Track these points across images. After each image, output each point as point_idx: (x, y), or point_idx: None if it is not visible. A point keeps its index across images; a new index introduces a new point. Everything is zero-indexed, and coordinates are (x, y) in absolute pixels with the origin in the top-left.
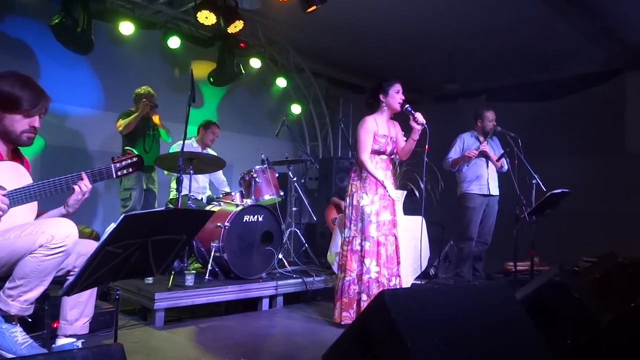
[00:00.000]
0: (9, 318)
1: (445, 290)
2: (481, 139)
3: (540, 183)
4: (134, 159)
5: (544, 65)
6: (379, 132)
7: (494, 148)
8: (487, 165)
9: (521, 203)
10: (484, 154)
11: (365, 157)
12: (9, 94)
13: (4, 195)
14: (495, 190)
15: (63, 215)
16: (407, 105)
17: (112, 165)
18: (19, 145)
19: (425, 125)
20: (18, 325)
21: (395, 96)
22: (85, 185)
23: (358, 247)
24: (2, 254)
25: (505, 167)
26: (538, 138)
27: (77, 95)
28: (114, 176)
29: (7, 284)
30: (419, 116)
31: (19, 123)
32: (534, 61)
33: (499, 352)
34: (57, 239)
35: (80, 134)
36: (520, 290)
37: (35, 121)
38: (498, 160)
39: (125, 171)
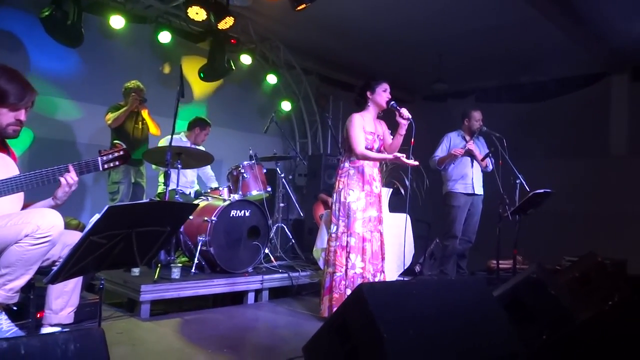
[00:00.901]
0: None
1: (422, 285)
2: (467, 138)
3: (524, 183)
4: (121, 153)
5: (525, 67)
6: (366, 129)
7: (479, 147)
8: (472, 165)
9: (504, 202)
10: (469, 153)
11: (362, 148)
12: None
13: None
14: (479, 190)
15: (51, 207)
16: (392, 102)
17: (99, 158)
18: (4, 137)
19: (411, 120)
20: (3, 313)
21: (382, 94)
22: (71, 177)
23: (345, 243)
24: None
25: (490, 166)
26: (523, 139)
27: (67, 88)
28: (101, 169)
29: None
30: (404, 111)
31: (5, 116)
32: (521, 63)
33: (473, 346)
34: (43, 229)
35: (69, 127)
36: (499, 288)
37: (21, 114)
38: (483, 159)
39: (112, 164)
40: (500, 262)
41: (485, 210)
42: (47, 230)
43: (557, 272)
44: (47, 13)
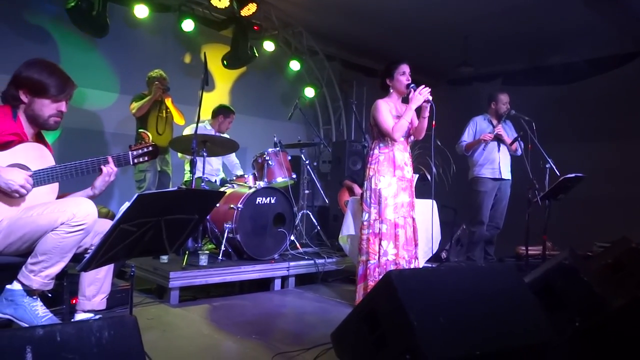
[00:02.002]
0: (30, 292)
1: (452, 271)
2: (494, 122)
3: (554, 167)
4: (150, 148)
5: (553, 48)
6: (392, 114)
7: (507, 132)
8: (499, 149)
9: (534, 187)
10: (497, 137)
11: (391, 126)
12: (38, 81)
13: (29, 176)
14: (507, 174)
15: (89, 197)
16: (412, 85)
17: (130, 152)
18: (45, 129)
19: (431, 102)
20: (39, 299)
21: (401, 79)
22: (111, 167)
23: (377, 230)
24: (25, 230)
25: (519, 151)
26: (552, 122)
27: (93, 79)
28: (131, 163)
29: (30, 260)
30: (425, 91)
31: (47, 107)
32: (550, 44)
33: (504, 333)
34: (78, 217)
35: (96, 116)
36: (530, 274)
37: (62, 106)
38: (512, 143)
39: (141, 159)
40: (529, 248)
41: (513, 195)
42: (82, 218)
43: (589, 259)
44: (72, 4)
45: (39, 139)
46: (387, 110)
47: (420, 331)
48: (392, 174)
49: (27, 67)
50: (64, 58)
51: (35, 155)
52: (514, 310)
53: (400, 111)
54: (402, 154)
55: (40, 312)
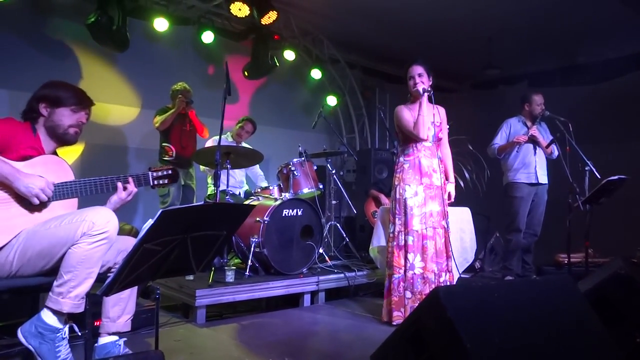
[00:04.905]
0: (61, 319)
1: (504, 286)
2: (529, 124)
3: (594, 170)
4: (170, 172)
5: (584, 46)
6: (414, 117)
7: (542, 134)
8: (535, 152)
9: (574, 191)
10: (532, 140)
11: (412, 124)
12: (56, 94)
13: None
14: (543, 179)
15: None
16: (416, 88)
17: (150, 173)
18: (65, 140)
19: (429, 92)
20: (66, 337)
21: (410, 84)
22: (132, 187)
23: (403, 243)
24: (43, 244)
25: (556, 153)
26: (589, 123)
27: (115, 94)
28: (150, 184)
29: (55, 282)
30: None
31: (67, 118)
32: (579, 42)
33: (564, 351)
34: (98, 225)
35: (119, 132)
36: (579, 284)
37: (83, 117)
38: (548, 146)
39: (161, 181)
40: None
41: (550, 201)
42: (103, 226)
43: (636, 266)
44: (92, 19)
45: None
46: (408, 113)
47: (475, 355)
48: (418, 182)
49: (44, 86)
50: (86, 74)
51: (55, 169)
52: (575, 328)
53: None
54: (429, 160)
55: (62, 355)
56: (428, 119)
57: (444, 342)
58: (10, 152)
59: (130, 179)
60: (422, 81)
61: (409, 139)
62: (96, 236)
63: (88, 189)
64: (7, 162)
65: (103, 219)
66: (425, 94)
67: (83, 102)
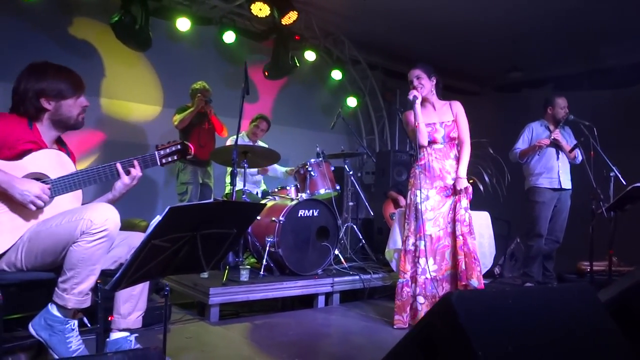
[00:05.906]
0: (67, 313)
1: (519, 292)
2: (552, 128)
3: (620, 175)
4: (178, 147)
5: (611, 49)
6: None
7: (566, 138)
8: (558, 157)
9: (598, 197)
10: (555, 144)
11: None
12: (56, 87)
13: (49, 189)
14: (567, 184)
15: (109, 201)
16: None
17: (156, 152)
18: (75, 127)
19: (416, 96)
20: (75, 329)
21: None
22: (135, 171)
23: (412, 247)
24: (46, 243)
25: (579, 158)
26: (615, 127)
27: (138, 92)
28: (159, 163)
29: (60, 278)
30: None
31: (74, 107)
32: (606, 45)
33: None
34: (97, 223)
35: (140, 129)
36: (600, 293)
37: (84, 101)
38: (571, 151)
39: (169, 159)
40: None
41: (573, 207)
42: (101, 224)
43: None
44: (116, 18)
45: (61, 145)
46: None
47: None
48: (430, 186)
49: (36, 78)
50: (109, 72)
51: (55, 163)
52: (592, 338)
53: (430, 119)
54: (440, 162)
55: (73, 346)
56: (423, 126)
57: (454, 349)
58: (8, 149)
59: (136, 162)
60: (421, 84)
61: None
62: (95, 234)
63: (91, 179)
64: (0, 170)
65: (101, 216)
66: (417, 101)
67: (80, 86)
